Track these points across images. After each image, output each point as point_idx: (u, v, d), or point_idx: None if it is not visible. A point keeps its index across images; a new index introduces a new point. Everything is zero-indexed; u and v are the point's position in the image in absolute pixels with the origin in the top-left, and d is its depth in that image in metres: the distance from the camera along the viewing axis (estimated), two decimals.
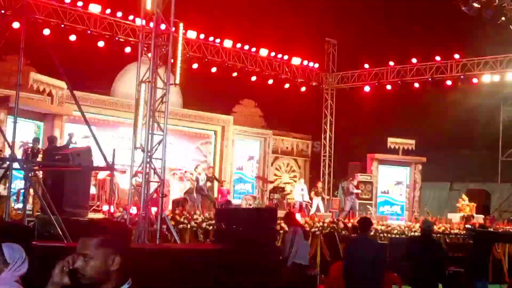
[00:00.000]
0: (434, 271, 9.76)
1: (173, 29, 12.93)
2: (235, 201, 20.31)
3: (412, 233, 17.66)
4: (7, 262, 4.13)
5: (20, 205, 11.91)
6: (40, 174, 12.89)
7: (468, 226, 17.42)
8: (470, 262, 12.35)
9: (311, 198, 21.47)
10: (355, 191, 21.67)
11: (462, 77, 23.00)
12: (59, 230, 10.23)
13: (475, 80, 23.08)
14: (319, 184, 22.69)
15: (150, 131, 12.16)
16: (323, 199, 22.24)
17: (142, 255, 7.77)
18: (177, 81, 13.22)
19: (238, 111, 25.47)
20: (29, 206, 12.15)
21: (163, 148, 12.25)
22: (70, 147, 14.62)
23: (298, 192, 21.54)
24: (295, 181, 25.82)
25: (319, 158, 26.33)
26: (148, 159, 12.06)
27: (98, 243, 2.77)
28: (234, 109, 25.45)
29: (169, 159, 19.66)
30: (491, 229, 16.46)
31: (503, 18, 18.20)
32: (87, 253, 2.76)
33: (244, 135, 24.69)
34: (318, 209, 20.86)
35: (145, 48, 13.15)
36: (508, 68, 22.33)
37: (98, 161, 13.63)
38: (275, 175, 25.46)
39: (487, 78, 22.81)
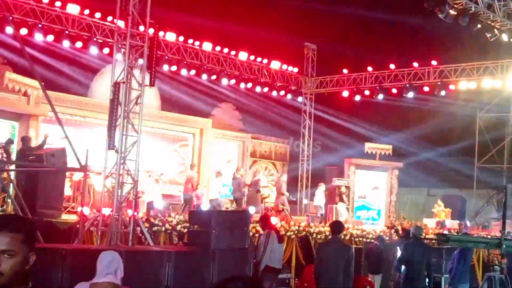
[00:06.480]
0: (428, 274, 10.06)
1: (151, 30, 12.90)
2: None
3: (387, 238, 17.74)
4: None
5: None
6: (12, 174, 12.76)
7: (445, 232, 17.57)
8: (454, 267, 12.59)
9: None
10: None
11: (439, 83, 23.17)
12: None
13: (452, 87, 23.26)
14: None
15: (124, 132, 12.10)
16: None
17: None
18: (152, 83, 13.16)
19: (216, 114, 25.43)
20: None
21: (137, 150, 12.20)
22: (44, 147, 14.48)
23: (320, 196, 21.15)
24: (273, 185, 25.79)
25: (297, 161, 26.36)
26: (122, 161, 12.00)
27: (23, 239, 2.56)
28: (213, 112, 25.40)
29: (145, 161, 19.74)
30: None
31: (479, 26, 18.36)
32: (11, 249, 2.51)
33: (223, 138, 24.65)
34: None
35: (122, 50, 13.07)
36: (484, 75, 22.55)
37: (73, 162, 13.51)
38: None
39: (464, 85, 23.02)
